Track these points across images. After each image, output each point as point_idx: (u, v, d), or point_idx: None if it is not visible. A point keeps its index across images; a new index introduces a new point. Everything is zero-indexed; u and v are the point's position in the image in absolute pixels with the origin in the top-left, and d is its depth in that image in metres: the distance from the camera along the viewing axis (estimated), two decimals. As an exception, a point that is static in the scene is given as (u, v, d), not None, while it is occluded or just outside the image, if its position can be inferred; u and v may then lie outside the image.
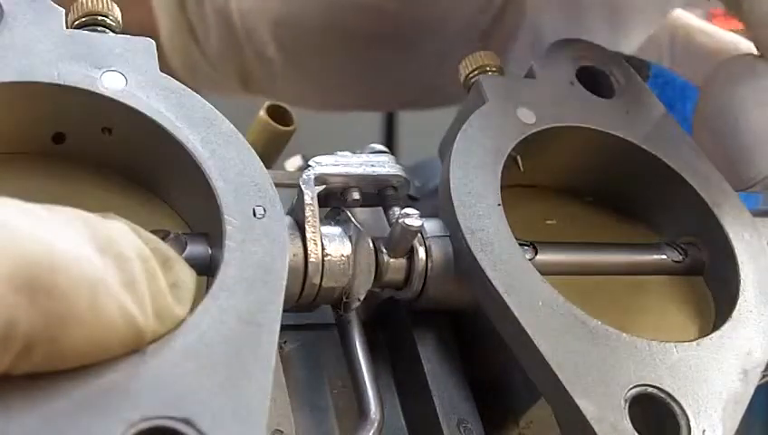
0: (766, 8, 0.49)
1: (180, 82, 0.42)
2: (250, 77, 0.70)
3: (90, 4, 0.43)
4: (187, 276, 0.36)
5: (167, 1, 0.68)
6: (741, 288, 0.46)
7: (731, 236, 0.48)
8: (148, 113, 0.40)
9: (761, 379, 0.43)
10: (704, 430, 0.39)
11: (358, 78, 0.68)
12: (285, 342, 0.45)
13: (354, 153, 0.48)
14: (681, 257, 0.49)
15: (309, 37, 0.65)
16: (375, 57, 0.66)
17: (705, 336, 0.43)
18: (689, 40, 0.68)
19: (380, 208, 0.47)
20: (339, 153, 0.47)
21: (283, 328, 0.36)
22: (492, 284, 0.41)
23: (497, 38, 0.65)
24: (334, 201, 0.46)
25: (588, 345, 0.40)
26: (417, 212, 0.43)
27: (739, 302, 0.45)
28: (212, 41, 0.67)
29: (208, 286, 0.37)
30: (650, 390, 0.40)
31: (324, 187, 0.45)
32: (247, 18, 0.65)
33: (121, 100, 0.40)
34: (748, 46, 0.54)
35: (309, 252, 0.42)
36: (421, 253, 0.44)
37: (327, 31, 0.64)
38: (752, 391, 0.42)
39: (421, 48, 0.65)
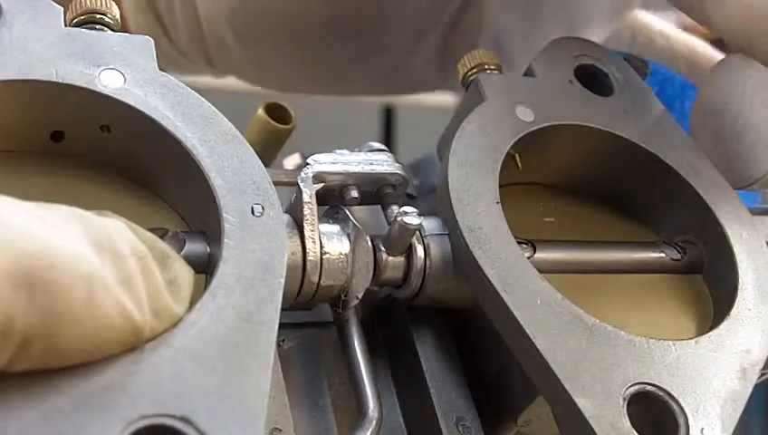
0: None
1: None
2: (214, 62, 0.71)
3: (88, 2, 0.43)
4: (185, 274, 0.36)
5: None
6: (739, 287, 0.46)
7: (729, 234, 0.48)
8: (147, 111, 0.40)
9: (759, 377, 0.43)
10: (702, 429, 0.39)
11: (313, 66, 0.69)
12: (284, 340, 0.45)
13: (353, 151, 0.48)
14: (679, 256, 0.49)
15: (263, 26, 0.66)
16: (329, 48, 0.66)
17: (703, 334, 0.43)
18: (649, 42, 0.68)
19: (379, 207, 0.47)
20: (337, 151, 0.47)
21: (282, 326, 0.36)
22: (490, 282, 0.41)
23: (458, 37, 0.66)
24: (333, 199, 0.46)
25: (586, 343, 0.40)
26: (416, 210, 0.43)
27: (737, 300, 0.45)
28: (180, 32, 0.68)
29: (207, 284, 0.36)
30: (649, 388, 0.40)
31: (322, 185, 0.44)
32: (208, 7, 0.66)
33: (120, 98, 0.40)
34: (705, 50, 0.54)
35: (307, 250, 0.42)
36: (420, 251, 0.44)
37: (280, 20, 0.65)
38: (750, 389, 0.42)
39: (375, 41, 0.66)
